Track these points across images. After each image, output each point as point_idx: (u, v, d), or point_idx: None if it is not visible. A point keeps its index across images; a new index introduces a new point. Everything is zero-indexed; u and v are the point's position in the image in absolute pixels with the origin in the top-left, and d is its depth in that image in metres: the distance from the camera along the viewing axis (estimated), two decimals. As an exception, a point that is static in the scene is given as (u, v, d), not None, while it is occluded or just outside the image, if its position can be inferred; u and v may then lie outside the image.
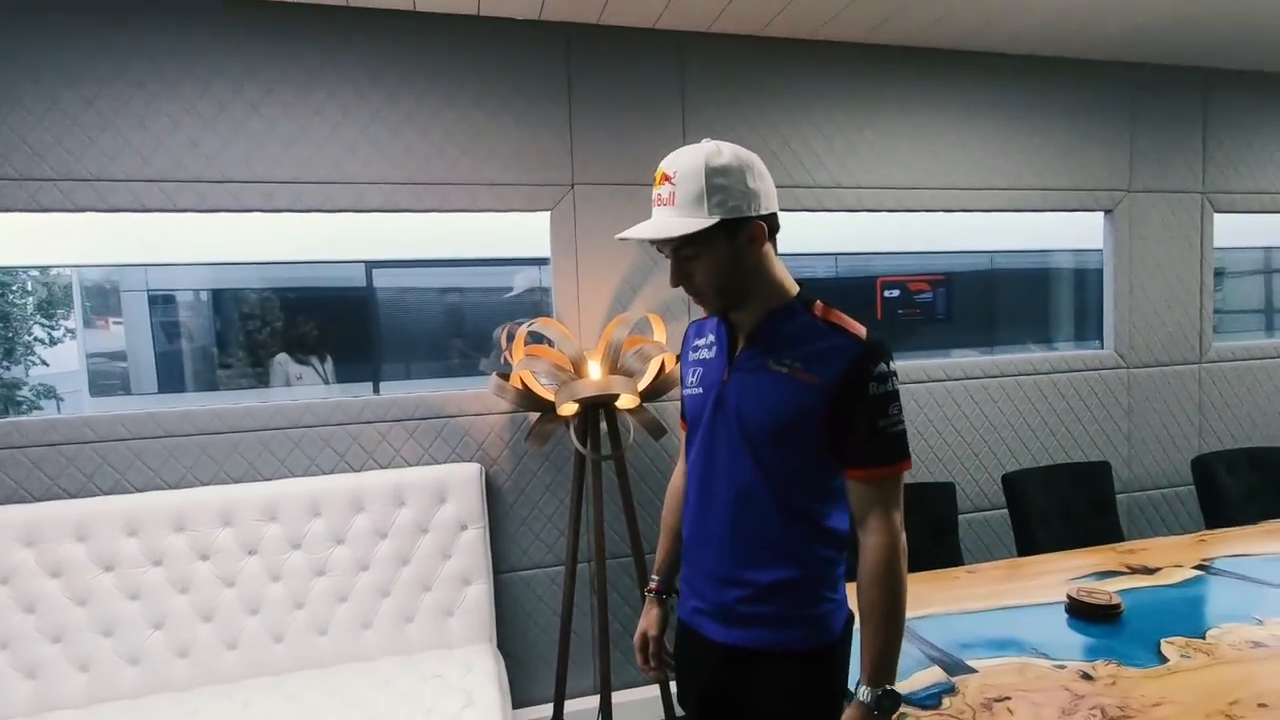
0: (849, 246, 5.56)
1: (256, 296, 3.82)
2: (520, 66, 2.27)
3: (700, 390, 1.19)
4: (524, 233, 2.54)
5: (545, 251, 2.38)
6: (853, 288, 5.82)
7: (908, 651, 1.49)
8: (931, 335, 5.91)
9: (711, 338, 1.21)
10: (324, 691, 1.89)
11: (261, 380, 3.51)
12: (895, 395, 1.06)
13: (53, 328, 6.44)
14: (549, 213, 2.33)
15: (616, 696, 2.39)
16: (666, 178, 1.05)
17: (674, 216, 1.04)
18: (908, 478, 2.56)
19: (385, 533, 2.13)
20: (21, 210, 1.96)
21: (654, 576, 1.37)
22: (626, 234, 1.08)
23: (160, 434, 2.07)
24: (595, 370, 2.04)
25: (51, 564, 1.90)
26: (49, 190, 1.96)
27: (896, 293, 5.98)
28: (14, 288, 6.26)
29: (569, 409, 2.02)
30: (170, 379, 4.70)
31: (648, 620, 1.33)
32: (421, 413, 2.26)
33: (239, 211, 2.09)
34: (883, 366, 1.05)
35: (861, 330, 1.08)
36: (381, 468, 2.23)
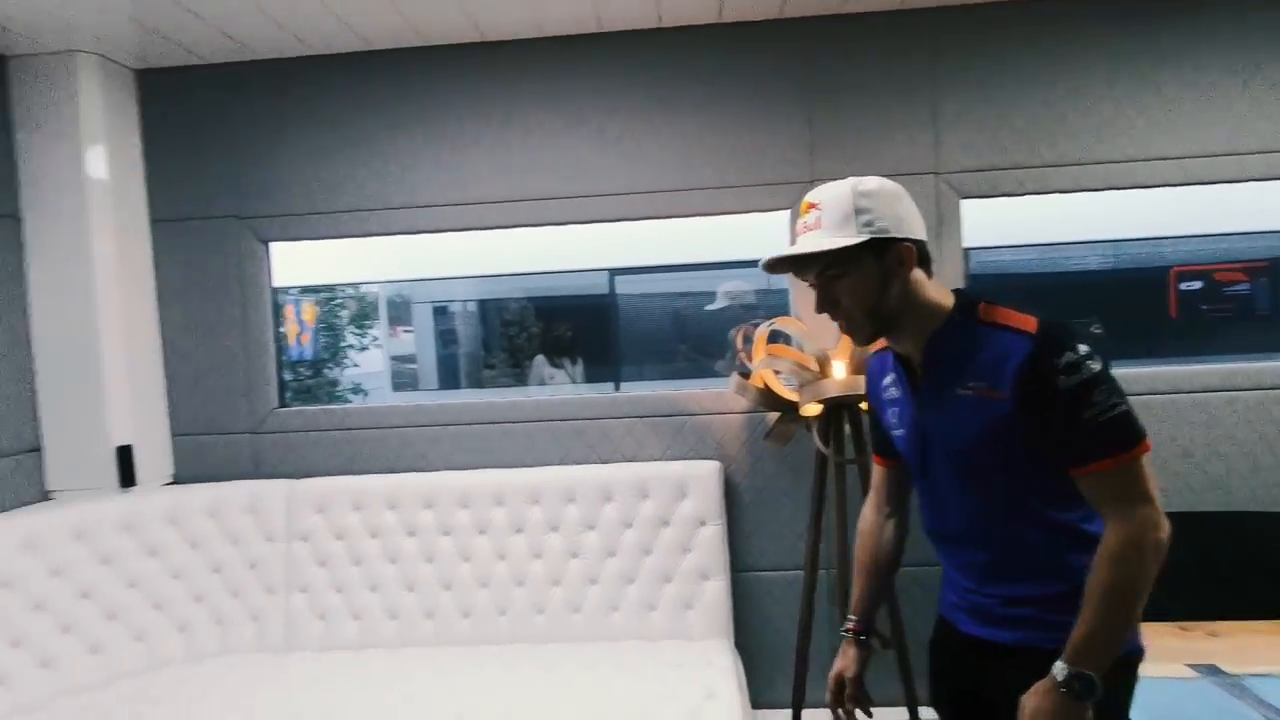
0: (1132, 232, 4.74)
1: (516, 305, 4.30)
2: (760, 65, 2.28)
3: (903, 430, 1.17)
4: (759, 235, 2.54)
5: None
6: (1137, 281, 4.96)
7: (1239, 712, 1.23)
8: (1250, 335, 4.82)
9: (892, 374, 1.19)
10: (577, 664, 2.05)
11: (520, 380, 3.94)
12: (1098, 380, 0.96)
13: (362, 335, 7.81)
14: (788, 211, 2.31)
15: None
16: (812, 206, 1.07)
17: (821, 238, 1.04)
18: (1218, 501, 2.12)
19: (630, 523, 2.26)
20: (353, 236, 2.40)
21: (851, 616, 1.32)
22: (774, 255, 1.09)
23: (448, 422, 2.40)
24: (840, 370, 1.97)
25: (372, 527, 2.30)
26: (378, 217, 2.38)
27: (1198, 285, 4.98)
28: (336, 302, 7.70)
29: (812, 409, 1.98)
30: (447, 378, 5.47)
31: (845, 661, 1.29)
32: (664, 410, 2.35)
33: (512, 227, 2.36)
34: (1068, 355, 0.96)
35: (1030, 323, 1.01)
36: (627, 461, 2.36)
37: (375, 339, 7.53)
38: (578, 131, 2.33)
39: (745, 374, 2.14)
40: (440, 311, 6.23)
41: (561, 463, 2.37)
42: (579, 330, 3.69)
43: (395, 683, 1.98)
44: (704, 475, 2.25)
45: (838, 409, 2.05)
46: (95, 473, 2.27)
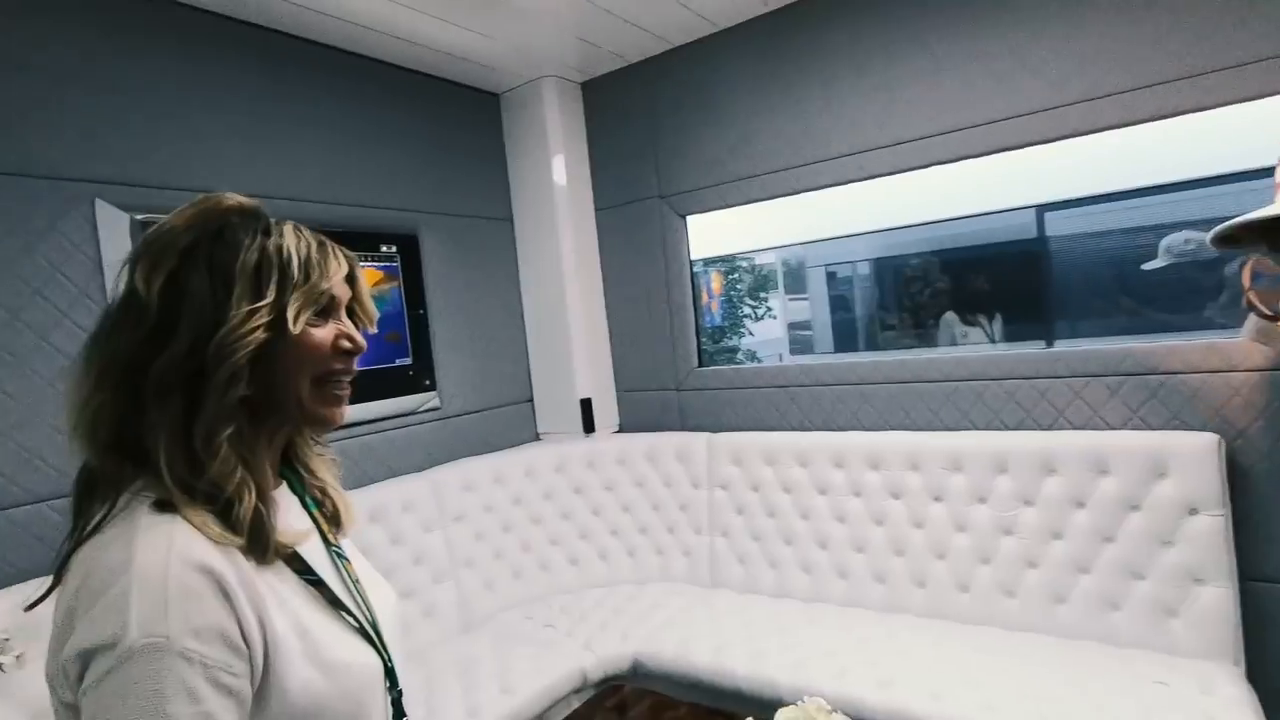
0: None
1: (917, 261, 3.98)
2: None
3: None
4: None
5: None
6: None
7: None
8: None
9: None
10: (1014, 655, 1.80)
11: (924, 341, 3.63)
12: None
13: (757, 306, 8.21)
14: (1342, 83, 1.61)
15: None
16: None
17: None
18: None
19: (1082, 502, 1.88)
20: (758, 200, 2.48)
21: None
22: (1244, 219, 0.74)
23: (855, 381, 2.32)
24: None
25: (784, 482, 2.36)
26: (780, 178, 2.41)
27: None
28: (734, 275, 8.23)
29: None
30: (843, 342, 5.38)
31: None
32: (1128, 367, 1.90)
33: (920, 168, 2.15)
34: None
35: None
36: (1074, 428, 1.98)
37: (769, 309, 7.85)
38: (997, 41, 1.99)
39: (1274, 316, 1.57)
40: (833, 276, 6.15)
41: (988, 427, 2.10)
42: (997, 282, 3.21)
43: (812, 635, 2.01)
44: (1194, 451, 1.75)
45: None
46: (567, 420, 2.81)
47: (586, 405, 2.77)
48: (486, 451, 2.65)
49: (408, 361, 2.43)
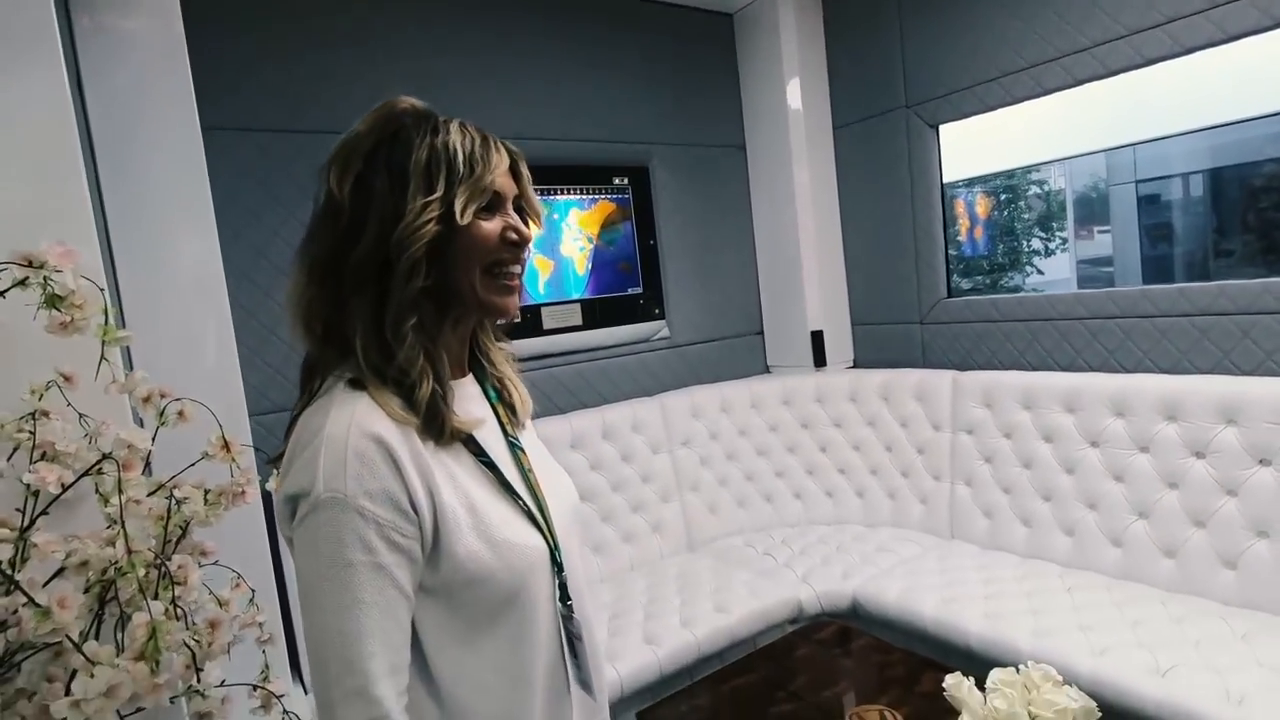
0: None
1: (1273, 165, 3.03)
2: None
3: None
4: None
5: None
6: None
7: None
8: None
9: None
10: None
11: (1275, 269, 2.77)
12: None
13: (1048, 240, 6.98)
14: None
15: None
16: None
17: None
18: None
19: None
20: (1029, 98, 2.09)
21: None
22: None
23: (1152, 313, 1.89)
24: None
25: (1045, 429, 2.04)
26: (1059, 67, 2.01)
27: None
28: (1018, 205, 7.06)
29: None
30: (1155, 278, 4.41)
31: None
32: None
33: (1253, 34, 1.62)
34: None
35: None
36: None
37: (1063, 242, 6.64)
38: None
39: None
40: (1149, 193, 5.01)
41: (1354, 373, 1.58)
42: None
43: (1067, 603, 1.74)
44: None
45: None
46: (796, 353, 2.72)
47: (818, 338, 2.65)
48: (715, 382, 2.68)
49: (639, 291, 2.53)
